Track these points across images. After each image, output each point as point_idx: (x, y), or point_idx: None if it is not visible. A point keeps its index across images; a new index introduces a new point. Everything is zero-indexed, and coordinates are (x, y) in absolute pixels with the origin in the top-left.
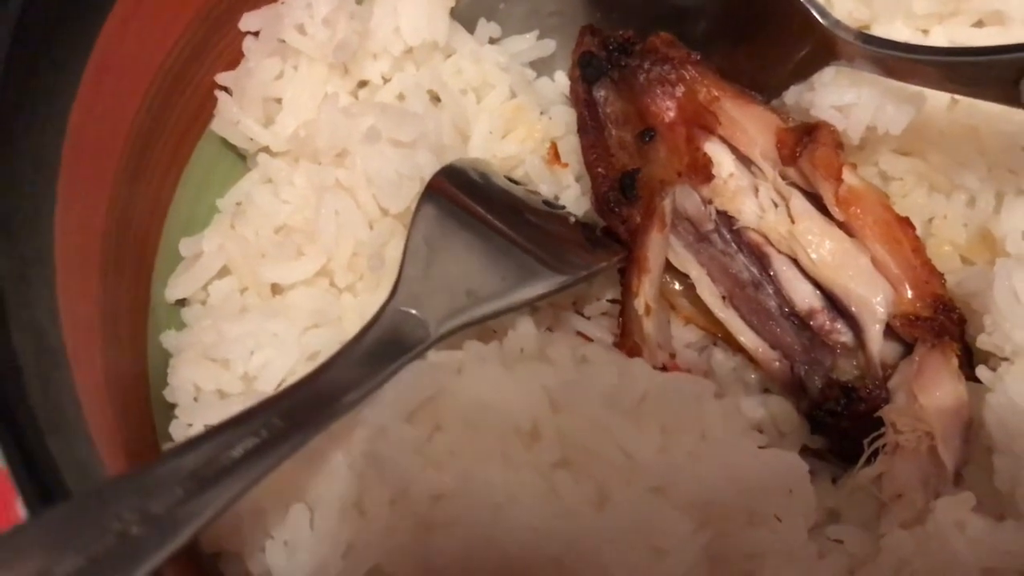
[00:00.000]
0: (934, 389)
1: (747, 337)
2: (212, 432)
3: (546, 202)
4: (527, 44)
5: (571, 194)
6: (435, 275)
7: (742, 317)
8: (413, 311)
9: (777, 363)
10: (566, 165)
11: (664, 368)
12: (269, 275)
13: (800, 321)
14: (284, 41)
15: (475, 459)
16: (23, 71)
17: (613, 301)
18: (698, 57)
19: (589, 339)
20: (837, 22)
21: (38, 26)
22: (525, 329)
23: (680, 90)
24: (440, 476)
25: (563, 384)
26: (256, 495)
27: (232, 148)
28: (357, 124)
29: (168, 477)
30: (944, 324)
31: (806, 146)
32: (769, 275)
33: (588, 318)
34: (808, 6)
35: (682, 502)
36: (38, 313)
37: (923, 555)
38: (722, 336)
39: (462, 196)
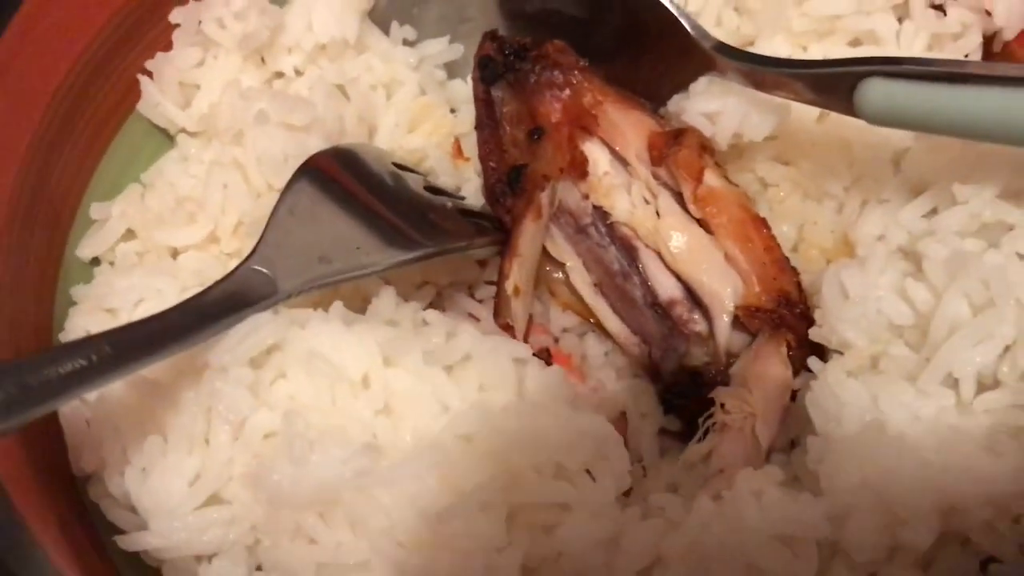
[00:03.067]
0: (763, 375)
1: (612, 323)
2: (50, 352)
3: (432, 188)
4: (439, 47)
5: (472, 187)
6: (293, 241)
7: (611, 305)
8: (265, 270)
9: (637, 348)
10: (468, 160)
11: (548, 353)
12: (165, 239)
13: (663, 311)
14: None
15: (306, 404)
16: None
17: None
18: (585, 64)
19: (477, 319)
20: (705, 34)
21: None
22: (387, 297)
23: (567, 93)
24: (272, 416)
25: (392, 339)
26: (118, 426)
27: (163, 129)
28: (250, 107)
29: None
30: (784, 316)
31: (671, 148)
32: (637, 267)
33: (480, 301)
34: (683, 22)
35: (487, 450)
36: None
37: (722, 520)
38: (594, 322)
39: (341, 173)
